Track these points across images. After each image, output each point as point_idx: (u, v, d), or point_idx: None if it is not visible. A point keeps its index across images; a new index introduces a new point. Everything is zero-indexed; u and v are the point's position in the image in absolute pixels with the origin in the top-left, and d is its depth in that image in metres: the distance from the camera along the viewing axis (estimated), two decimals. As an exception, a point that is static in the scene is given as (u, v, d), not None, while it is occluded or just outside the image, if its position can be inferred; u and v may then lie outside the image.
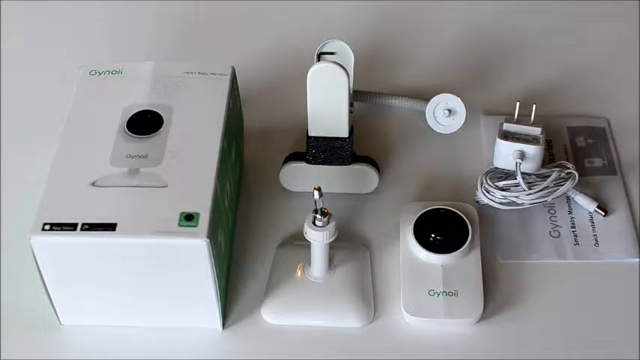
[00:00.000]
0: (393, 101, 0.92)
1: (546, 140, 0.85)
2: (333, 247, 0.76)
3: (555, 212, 0.83)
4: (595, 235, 0.82)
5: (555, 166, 0.83)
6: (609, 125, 0.91)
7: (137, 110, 0.78)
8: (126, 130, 0.76)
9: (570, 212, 0.83)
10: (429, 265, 0.78)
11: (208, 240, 0.69)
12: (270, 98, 0.93)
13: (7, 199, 0.85)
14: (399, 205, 0.83)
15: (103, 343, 0.75)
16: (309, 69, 0.77)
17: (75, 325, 0.76)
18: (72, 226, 0.70)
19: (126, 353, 0.75)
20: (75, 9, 1.04)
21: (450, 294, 0.76)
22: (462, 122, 0.88)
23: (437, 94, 0.88)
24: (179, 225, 0.70)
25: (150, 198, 0.71)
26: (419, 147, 0.89)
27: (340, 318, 0.76)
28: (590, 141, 0.89)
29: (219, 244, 0.73)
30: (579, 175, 0.82)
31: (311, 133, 0.81)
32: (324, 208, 0.73)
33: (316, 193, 0.71)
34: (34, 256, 0.70)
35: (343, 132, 0.81)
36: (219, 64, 0.82)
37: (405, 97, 0.91)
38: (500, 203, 0.82)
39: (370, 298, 0.78)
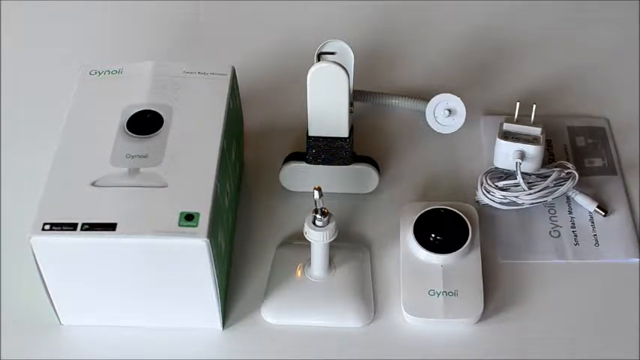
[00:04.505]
0: (393, 101, 0.92)
1: (546, 140, 0.85)
2: (333, 247, 0.76)
3: (555, 212, 0.83)
4: (595, 235, 0.82)
5: (555, 166, 0.83)
6: (609, 125, 0.91)
7: (137, 110, 0.78)
8: (126, 130, 0.76)
9: (570, 212, 0.83)
10: (429, 265, 0.78)
11: (208, 240, 0.69)
12: (270, 98, 0.93)
13: (7, 199, 0.85)
14: (399, 205, 0.83)
15: (103, 343, 0.75)
16: (309, 69, 0.77)
17: (75, 325, 0.76)
18: (72, 226, 0.70)
19: (126, 353, 0.75)
20: (75, 9, 1.04)
21: (450, 294, 0.76)
22: (462, 122, 0.88)
23: (437, 94, 0.88)
24: (179, 225, 0.70)
25: (150, 198, 0.71)
26: (419, 147, 0.89)
27: (340, 318, 0.76)
28: (590, 141, 0.89)
29: (219, 244, 0.73)
30: (579, 175, 0.82)
31: (311, 133, 0.81)
32: (324, 208, 0.73)
33: (316, 193, 0.71)
34: (34, 256, 0.70)
35: (343, 132, 0.81)
36: (219, 64, 0.82)
37: (405, 97, 0.91)
38: (501, 203, 0.82)
39: (370, 298, 0.78)
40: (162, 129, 0.76)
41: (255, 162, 0.88)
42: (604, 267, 0.80)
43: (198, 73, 0.81)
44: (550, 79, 0.95)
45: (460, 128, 0.88)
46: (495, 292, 0.78)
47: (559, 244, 0.81)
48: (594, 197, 0.83)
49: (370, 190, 0.85)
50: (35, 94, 0.95)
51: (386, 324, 0.76)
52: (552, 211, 0.83)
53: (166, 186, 0.72)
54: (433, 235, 0.79)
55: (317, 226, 0.73)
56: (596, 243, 0.81)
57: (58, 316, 0.76)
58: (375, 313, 0.77)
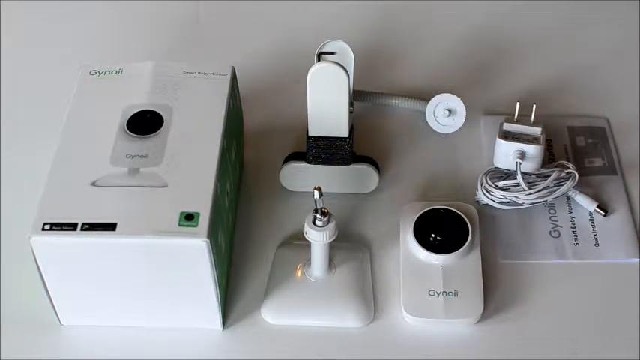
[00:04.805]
0: (393, 101, 0.92)
1: (546, 140, 0.85)
2: (333, 247, 0.76)
3: (555, 212, 0.83)
4: (595, 235, 0.82)
5: (555, 166, 0.83)
6: (609, 125, 0.91)
7: (137, 110, 0.78)
8: (126, 130, 0.76)
9: (570, 212, 0.83)
10: (429, 265, 0.78)
11: (208, 240, 0.69)
12: (270, 98, 0.93)
13: (7, 199, 0.85)
14: (399, 205, 0.83)
15: (103, 343, 0.75)
16: (309, 69, 0.77)
17: (75, 325, 0.76)
18: (72, 226, 0.70)
19: (126, 353, 0.75)
20: (75, 9, 1.04)
21: (450, 294, 0.76)
22: (462, 122, 0.88)
23: (437, 94, 0.88)
24: (179, 225, 0.70)
25: (150, 198, 0.71)
26: (419, 147, 0.89)
27: (340, 318, 0.76)
28: (590, 141, 0.89)
29: (219, 244, 0.73)
30: (579, 175, 0.82)
31: (311, 133, 0.81)
32: (324, 208, 0.73)
33: (316, 193, 0.71)
34: (34, 256, 0.70)
35: (343, 132, 0.81)
36: (219, 64, 0.82)
37: (405, 97, 0.91)
38: (501, 203, 0.82)
39: (370, 298, 0.78)
40: (162, 129, 0.76)
41: (255, 162, 0.88)
42: (604, 267, 0.80)
43: (198, 73, 0.81)
44: (550, 79, 0.95)
45: (460, 128, 0.88)
46: (495, 292, 0.78)
47: (559, 244, 0.81)
48: (594, 197, 0.83)
49: (370, 190, 0.85)
50: (35, 94, 0.95)
51: (386, 324, 0.76)
52: (552, 211, 0.83)
53: (166, 186, 0.72)
54: (433, 235, 0.79)
55: (317, 226, 0.73)
56: (596, 243, 0.81)
57: (58, 316, 0.76)
58: (375, 313, 0.77)
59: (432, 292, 0.76)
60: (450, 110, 0.88)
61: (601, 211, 0.83)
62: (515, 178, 0.81)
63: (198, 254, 0.70)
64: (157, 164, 0.74)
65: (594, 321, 0.76)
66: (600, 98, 0.93)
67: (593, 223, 0.83)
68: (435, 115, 0.89)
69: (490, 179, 0.82)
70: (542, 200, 0.81)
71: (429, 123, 0.89)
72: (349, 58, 0.82)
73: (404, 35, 1.01)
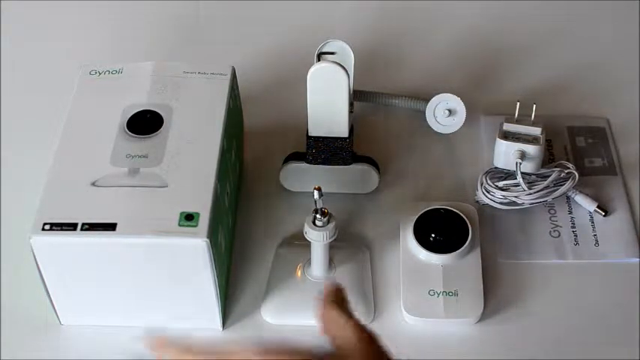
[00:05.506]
0: (393, 101, 0.92)
1: (546, 140, 0.85)
2: (333, 247, 0.76)
3: (555, 212, 0.83)
4: (595, 235, 0.82)
5: (555, 166, 0.83)
6: (609, 125, 0.91)
7: (137, 110, 0.78)
8: (126, 129, 0.76)
9: (570, 212, 0.83)
10: (429, 265, 0.78)
11: (208, 240, 0.69)
12: (270, 98, 0.93)
13: (7, 199, 0.85)
14: (399, 205, 0.83)
15: (103, 343, 0.75)
16: (309, 69, 0.77)
17: (75, 325, 0.76)
18: (72, 226, 0.70)
19: (126, 353, 0.75)
20: (75, 9, 1.04)
21: (450, 294, 0.76)
22: (462, 122, 0.88)
23: (437, 94, 0.88)
24: (179, 225, 0.70)
25: (150, 198, 0.71)
26: (419, 147, 0.89)
27: (340, 318, 0.76)
28: (590, 141, 0.89)
29: (219, 244, 0.73)
30: (579, 175, 0.82)
31: (311, 133, 0.81)
32: (324, 208, 0.73)
33: (316, 193, 0.71)
34: (34, 256, 0.70)
35: (343, 132, 0.81)
36: (219, 64, 0.82)
37: (405, 97, 0.91)
38: (501, 203, 0.82)
39: (370, 298, 0.78)
40: (162, 129, 0.76)
41: (255, 162, 0.88)
42: (604, 267, 0.80)
43: (198, 73, 0.81)
44: (550, 79, 0.95)
45: (460, 128, 0.88)
46: (495, 292, 0.78)
47: (559, 244, 0.81)
48: (594, 197, 0.83)
49: (370, 190, 0.85)
50: (35, 94, 0.95)
51: (386, 324, 0.76)
52: (552, 211, 0.83)
53: (166, 186, 0.72)
54: (433, 235, 0.79)
55: (317, 226, 0.73)
56: (596, 243, 0.81)
57: (58, 316, 0.76)
58: (375, 313, 0.77)
59: (432, 292, 0.76)
60: (450, 110, 0.88)
61: (601, 211, 0.83)
62: (515, 178, 0.81)
63: (198, 254, 0.70)
64: (157, 164, 0.74)
65: (594, 321, 0.76)
66: (600, 98, 0.93)
67: (593, 223, 0.83)
68: (435, 115, 0.89)
69: (490, 179, 0.82)
70: (542, 200, 0.81)
71: (429, 123, 0.89)
72: (349, 58, 0.82)
73: (404, 35, 1.01)
